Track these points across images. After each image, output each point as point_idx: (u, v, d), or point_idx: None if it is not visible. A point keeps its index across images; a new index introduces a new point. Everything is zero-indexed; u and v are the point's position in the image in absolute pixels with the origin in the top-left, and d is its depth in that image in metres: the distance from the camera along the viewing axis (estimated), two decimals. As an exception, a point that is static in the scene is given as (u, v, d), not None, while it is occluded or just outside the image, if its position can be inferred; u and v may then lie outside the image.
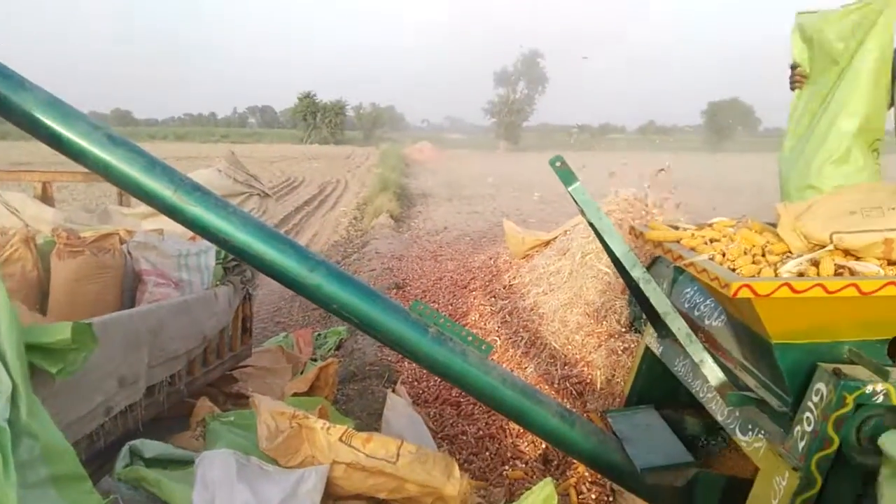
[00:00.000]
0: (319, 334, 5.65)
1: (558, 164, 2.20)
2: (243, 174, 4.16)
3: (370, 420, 3.65)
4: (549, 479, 2.69)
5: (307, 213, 14.80)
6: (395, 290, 6.95)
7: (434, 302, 6.38)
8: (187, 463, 2.56)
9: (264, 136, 66.76)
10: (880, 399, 1.91)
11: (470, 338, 2.47)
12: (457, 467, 2.46)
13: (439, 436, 3.72)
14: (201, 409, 3.27)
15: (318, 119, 62.34)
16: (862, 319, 2.05)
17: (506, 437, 3.65)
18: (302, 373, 4.42)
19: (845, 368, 1.99)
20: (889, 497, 1.81)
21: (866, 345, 2.08)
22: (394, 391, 3.63)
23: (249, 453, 2.50)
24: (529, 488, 3.13)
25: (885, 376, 1.88)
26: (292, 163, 31.54)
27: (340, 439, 2.42)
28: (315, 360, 5.00)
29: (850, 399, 1.91)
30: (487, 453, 3.55)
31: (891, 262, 2.04)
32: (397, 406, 3.05)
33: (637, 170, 6.45)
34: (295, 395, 3.73)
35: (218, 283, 3.75)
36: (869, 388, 1.91)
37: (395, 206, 14.29)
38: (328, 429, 2.44)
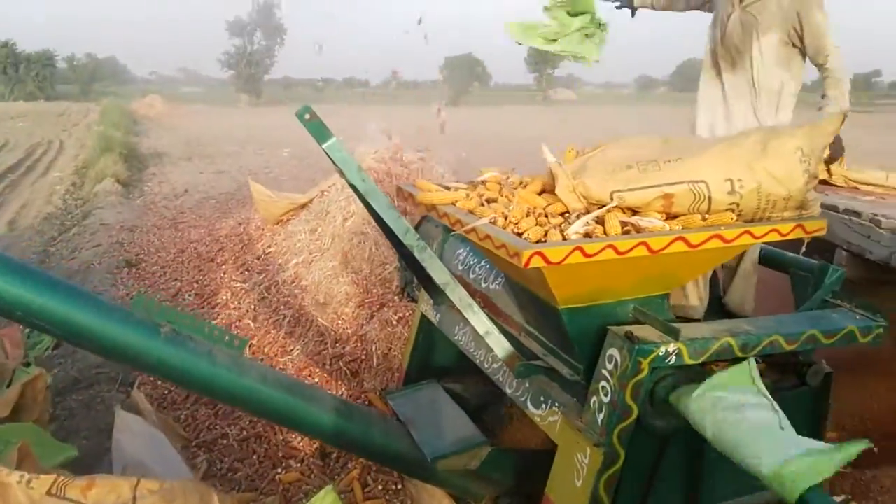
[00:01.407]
0: (31, 333, 4.60)
1: (307, 116, 1.79)
2: None
3: (102, 439, 2.97)
4: (329, 486, 2.33)
5: (12, 182, 12.39)
6: (126, 269, 5.94)
7: (177, 280, 5.58)
8: None
9: (-47, 93, 55.01)
10: (673, 360, 1.85)
11: (216, 333, 2.02)
12: (215, 497, 1.98)
13: (194, 444, 3.16)
14: None
15: (20, 72, 53.18)
16: (646, 276, 1.98)
17: (275, 434, 3.20)
18: (10, 384, 3.52)
19: (636, 330, 1.90)
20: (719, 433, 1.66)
21: (649, 301, 2.03)
22: (128, 399, 2.98)
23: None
24: (308, 492, 2.78)
25: (675, 335, 1.81)
26: (-10, 123, 26.38)
27: (49, 492, 1.80)
28: (29, 364, 4.05)
29: (644, 364, 1.83)
30: (255, 457, 3.08)
31: (669, 216, 1.98)
32: (130, 424, 2.45)
33: (386, 124, 6.22)
34: (-8, 423, 2.90)
35: None
36: (662, 350, 1.84)
37: (123, 168, 12.55)
38: (29, 481, 1.80)
